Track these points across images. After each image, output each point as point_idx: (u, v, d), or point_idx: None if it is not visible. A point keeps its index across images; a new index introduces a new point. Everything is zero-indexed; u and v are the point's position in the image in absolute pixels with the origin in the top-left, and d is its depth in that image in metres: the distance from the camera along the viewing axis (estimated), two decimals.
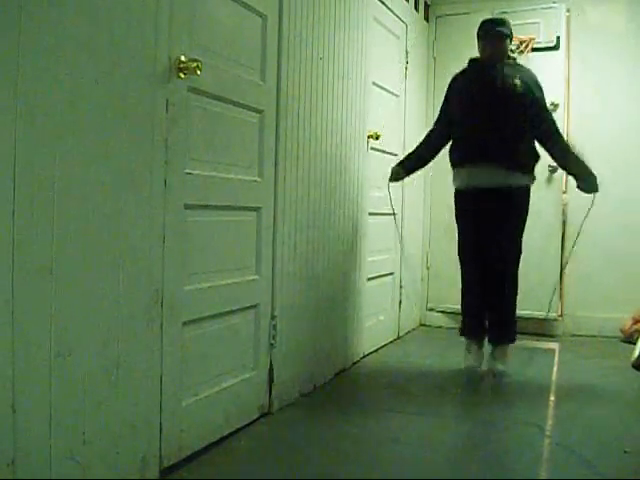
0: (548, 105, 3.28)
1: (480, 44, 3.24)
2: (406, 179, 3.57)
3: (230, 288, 2.26)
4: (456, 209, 3.31)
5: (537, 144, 3.21)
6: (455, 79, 3.34)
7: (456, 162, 3.26)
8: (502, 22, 3.25)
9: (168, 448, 1.93)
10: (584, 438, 2.34)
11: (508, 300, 3.20)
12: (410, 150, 3.62)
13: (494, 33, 3.18)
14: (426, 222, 4.69)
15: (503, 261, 3.15)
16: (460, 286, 3.34)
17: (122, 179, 1.72)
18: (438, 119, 3.41)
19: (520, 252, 3.19)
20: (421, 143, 3.47)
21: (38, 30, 1.44)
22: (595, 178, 3.06)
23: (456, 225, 3.32)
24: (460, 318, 3.42)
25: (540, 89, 3.19)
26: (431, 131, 3.46)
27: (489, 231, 3.14)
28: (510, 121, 3.08)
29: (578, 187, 3.15)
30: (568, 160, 3.16)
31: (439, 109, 3.41)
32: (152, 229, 1.84)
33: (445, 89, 3.39)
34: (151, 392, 1.86)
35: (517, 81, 3.10)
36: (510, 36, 3.22)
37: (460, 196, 3.27)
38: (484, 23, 3.25)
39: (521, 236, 3.18)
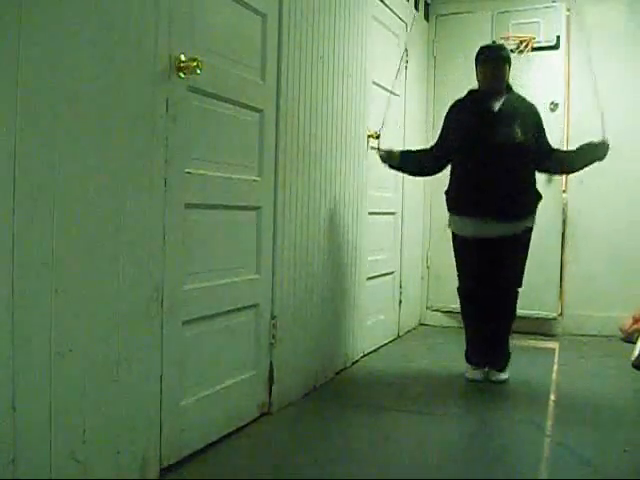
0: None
1: (479, 69, 3.12)
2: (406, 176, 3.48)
3: (230, 287, 2.26)
4: (455, 250, 3.23)
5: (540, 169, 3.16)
6: (453, 108, 3.22)
7: (454, 209, 3.17)
8: (501, 47, 3.24)
9: (168, 448, 1.93)
10: (584, 438, 2.34)
11: (505, 333, 3.20)
12: (413, 149, 3.52)
13: (495, 57, 3.09)
14: (426, 222, 4.69)
15: (505, 300, 3.15)
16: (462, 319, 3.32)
17: (122, 178, 1.72)
18: (436, 144, 3.26)
19: (521, 285, 3.15)
20: (419, 158, 3.32)
21: (38, 30, 1.44)
22: (596, 145, 2.94)
23: (455, 262, 3.23)
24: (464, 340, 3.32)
25: (540, 123, 3.10)
26: (429, 153, 3.29)
27: (491, 272, 3.10)
28: (510, 171, 3.00)
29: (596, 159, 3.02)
30: (575, 161, 3.10)
31: (438, 133, 3.26)
32: (152, 228, 1.84)
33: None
34: (151, 391, 1.86)
35: (517, 129, 3.00)
36: (509, 61, 3.13)
37: (460, 242, 3.18)
38: (483, 48, 3.18)
39: (523, 272, 3.14)
